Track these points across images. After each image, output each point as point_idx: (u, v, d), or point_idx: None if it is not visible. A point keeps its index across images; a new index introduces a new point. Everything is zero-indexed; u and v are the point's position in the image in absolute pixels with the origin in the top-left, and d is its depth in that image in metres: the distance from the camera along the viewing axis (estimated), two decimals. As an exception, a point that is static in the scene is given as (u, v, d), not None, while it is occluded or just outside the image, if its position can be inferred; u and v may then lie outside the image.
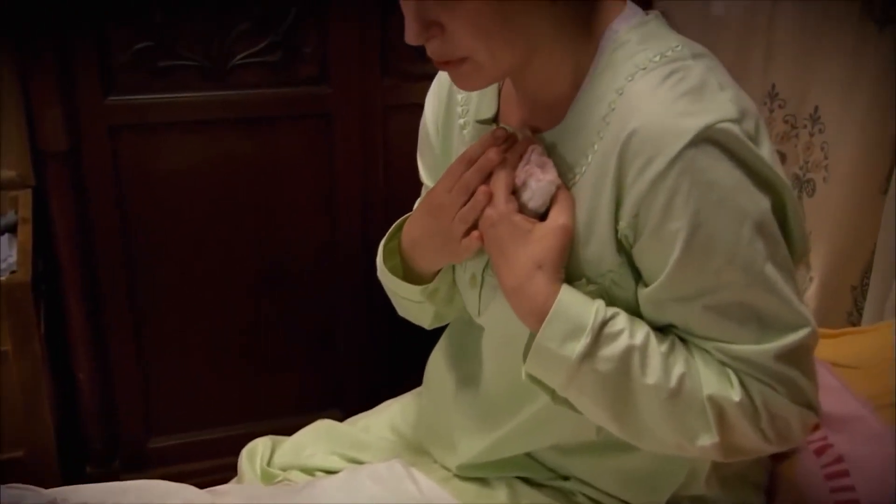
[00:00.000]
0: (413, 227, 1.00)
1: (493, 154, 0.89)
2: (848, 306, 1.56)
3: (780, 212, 0.83)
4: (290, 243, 1.96)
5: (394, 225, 1.06)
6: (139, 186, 1.81)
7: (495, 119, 0.97)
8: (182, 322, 1.93)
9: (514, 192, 0.89)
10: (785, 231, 0.84)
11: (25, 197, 1.77)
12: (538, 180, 0.87)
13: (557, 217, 0.86)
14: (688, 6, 1.83)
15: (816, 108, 1.53)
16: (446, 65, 0.85)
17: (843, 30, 1.43)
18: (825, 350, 1.36)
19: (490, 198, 0.89)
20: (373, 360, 2.08)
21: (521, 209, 0.88)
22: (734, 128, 0.78)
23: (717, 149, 0.78)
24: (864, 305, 1.49)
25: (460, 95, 1.01)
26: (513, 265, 0.87)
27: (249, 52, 1.81)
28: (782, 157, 1.67)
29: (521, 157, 0.89)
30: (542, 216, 0.88)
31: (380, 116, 1.93)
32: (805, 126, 1.56)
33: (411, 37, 0.82)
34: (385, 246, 1.05)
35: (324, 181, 1.94)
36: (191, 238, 1.89)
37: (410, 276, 1.03)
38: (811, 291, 1.54)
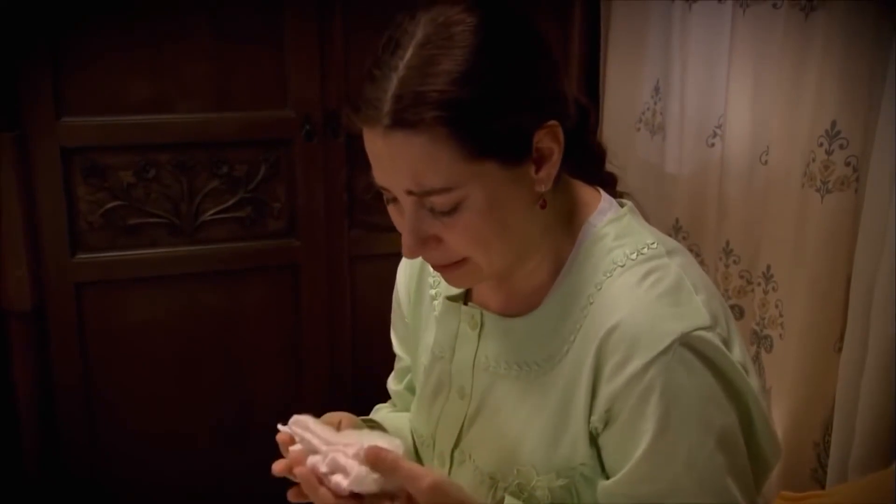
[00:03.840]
0: None
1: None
2: (812, 463, 1.55)
3: (746, 421, 0.84)
4: (254, 398, 1.95)
5: None
6: (103, 342, 1.81)
7: (466, 297, 0.97)
8: (143, 479, 1.88)
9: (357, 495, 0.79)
10: (752, 439, 0.84)
11: (-13, 352, 1.76)
12: (352, 475, 0.78)
13: (421, 480, 0.77)
14: (644, 164, 1.90)
15: (769, 267, 1.57)
16: (444, 268, 0.86)
17: (788, 195, 1.50)
18: (789, 515, 1.36)
19: None
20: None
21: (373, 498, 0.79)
22: (710, 335, 0.80)
23: (694, 355, 0.79)
24: (828, 462, 1.49)
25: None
26: None
27: (219, 209, 1.85)
28: (740, 312, 1.70)
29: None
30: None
31: (346, 267, 1.96)
32: (759, 283, 1.60)
33: (409, 252, 0.83)
34: None
35: (290, 333, 1.95)
36: (154, 395, 1.87)
37: None
38: (775, 448, 1.54)
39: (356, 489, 0.78)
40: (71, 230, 1.74)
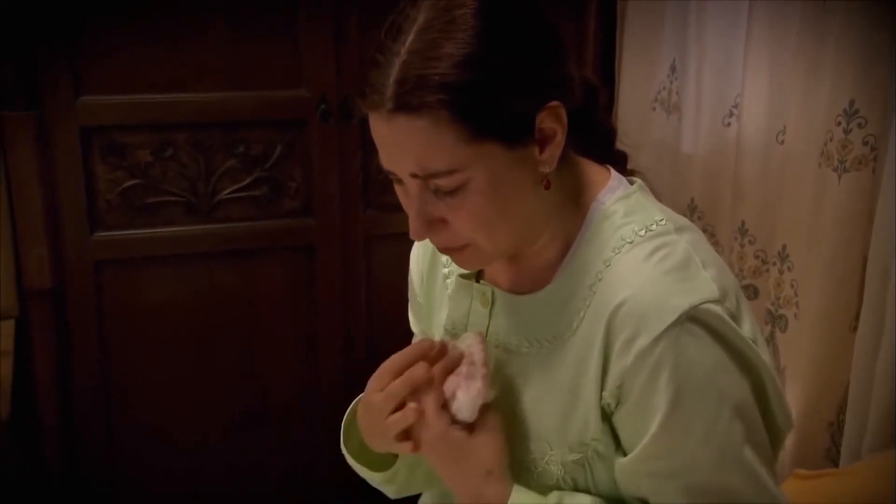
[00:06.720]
0: (360, 413, 0.96)
1: (420, 371, 0.86)
2: (826, 443, 1.55)
3: (760, 392, 0.84)
4: (270, 378, 1.96)
5: (354, 401, 1.03)
6: (121, 321, 1.83)
7: (478, 275, 0.98)
8: (159, 461, 1.91)
9: (444, 403, 0.87)
10: (766, 410, 0.85)
11: (7, 328, 1.77)
12: (465, 393, 0.86)
13: (487, 421, 0.86)
14: (658, 144, 1.90)
15: (784, 247, 1.57)
16: (448, 250, 0.88)
17: (804, 175, 1.49)
18: (803, 494, 1.36)
19: (421, 414, 0.86)
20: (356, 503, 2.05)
21: (452, 419, 0.86)
22: (717, 308, 0.80)
23: (702, 328, 0.80)
24: (842, 442, 1.49)
25: None
26: (462, 479, 0.88)
27: (236, 188, 1.87)
28: (755, 292, 1.70)
29: (453, 365, 0.87)
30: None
31: (361, 246, 1.97)
32: (775, 263, 1.60)
33: (415, 234, 0.84)
34: (345, 425, 1.03)
35: (305, 313, 1.96)
36: (170, 374, 1.89)
37: (370, 454, 1.01)
38: (788, 428, 1.54)
39: (458, 415, 0.86)
40: (90, 209, 1.76)
